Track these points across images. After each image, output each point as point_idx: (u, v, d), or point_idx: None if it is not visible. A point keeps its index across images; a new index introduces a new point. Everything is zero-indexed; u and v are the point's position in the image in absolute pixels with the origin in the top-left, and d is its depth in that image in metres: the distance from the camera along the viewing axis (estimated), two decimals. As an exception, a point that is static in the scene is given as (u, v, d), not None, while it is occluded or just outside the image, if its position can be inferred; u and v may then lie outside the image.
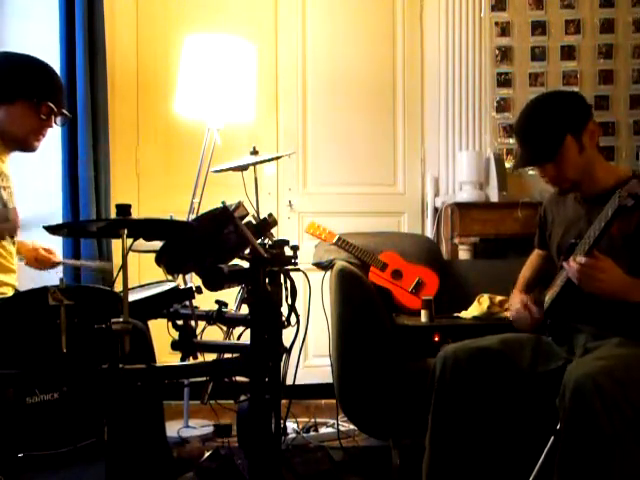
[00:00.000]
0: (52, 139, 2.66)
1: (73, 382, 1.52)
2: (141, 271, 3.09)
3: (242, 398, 2.00)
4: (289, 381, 1.91)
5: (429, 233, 3.65)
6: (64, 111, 2.04)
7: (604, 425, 1.52)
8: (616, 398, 1.54)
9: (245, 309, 1.67)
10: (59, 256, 2.33)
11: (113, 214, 1.48)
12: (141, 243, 1.68)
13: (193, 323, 1.79)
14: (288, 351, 1.72)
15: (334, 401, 2.64)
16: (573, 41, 3.75)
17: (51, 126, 2.02)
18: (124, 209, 1.44)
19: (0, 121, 1.93)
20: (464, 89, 3.72)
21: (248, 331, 1.63)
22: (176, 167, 3.57)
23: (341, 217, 3.58)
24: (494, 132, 3.74)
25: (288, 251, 1.69)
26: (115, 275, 1.66)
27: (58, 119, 2.03)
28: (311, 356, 3.60)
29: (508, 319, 2.15)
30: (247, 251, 1.60)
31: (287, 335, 1.69)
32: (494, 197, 3.46)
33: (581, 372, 1.60)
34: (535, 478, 1.83)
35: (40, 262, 2.23)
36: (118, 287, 1.49)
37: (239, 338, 1.89)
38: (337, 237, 2.86)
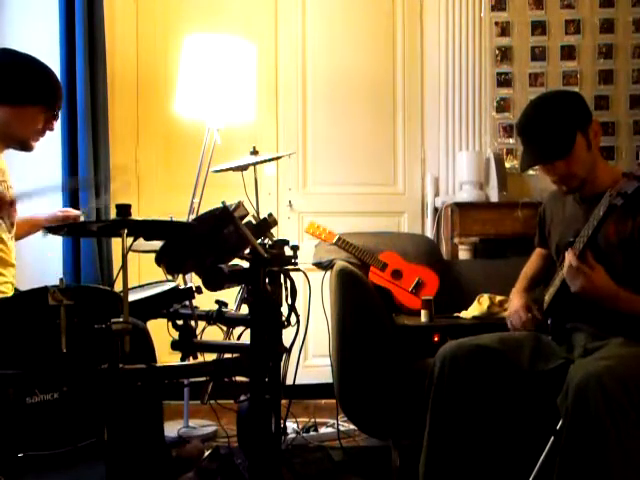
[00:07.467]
0: (52, 139, 2.66)
1: (73, 382, 1.52)
2: (141, 271, 3.09)
3: (242, 398, 2.00)
4: (289, 381, 1.92)
5: (429, 233, 3.65)
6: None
7: (607, 425, 1.52)
8: (619, 399, 1.54)
9: (245, 309, 1.67)
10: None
11: (113, 214, 1.48)
12: (141, 243, 1.68)
13: (193, 323, 1.79)
14: (288, 351, 1.72)
15: (334, 401, 2.64)
16: (573, 41, 3.75)
17: (52, 129, 2.05)
18: (124, 209, 1.44)
19: (6, 121, 1.94)
20: (464, 89, 3.72)
21: (248, 331, 1.63)
22: (176, 167, 3.57)
23: (341, 217, 3.58)
24: (494, 132, 3.73)
25: (288, 251, 1.69)
26: (115, 275, 1.66)
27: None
28: (311, 356, 3.60)
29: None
30: (247, 251, 1.60)
31: (287, 335, 1.69)
32: (494, 197, 3.46)
33: (585, 372, 1.60)
34: (535, 478, 1.83)
35: None
36: (118, 287, 1.49)
37: (239, 338, 1.89)
38: (337, 237, 2.86)
